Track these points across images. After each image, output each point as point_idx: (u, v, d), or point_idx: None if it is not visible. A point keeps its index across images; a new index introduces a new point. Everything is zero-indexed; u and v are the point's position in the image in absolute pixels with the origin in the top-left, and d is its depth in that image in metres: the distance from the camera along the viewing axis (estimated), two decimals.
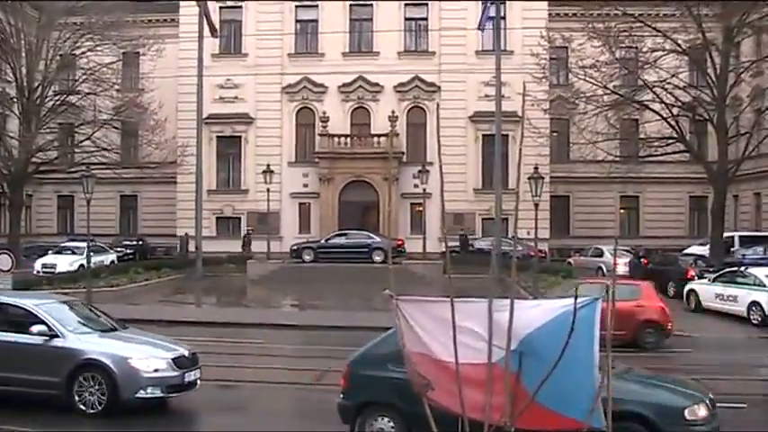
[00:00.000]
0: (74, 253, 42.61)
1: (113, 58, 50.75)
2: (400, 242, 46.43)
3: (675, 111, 42.36)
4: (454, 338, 7.84)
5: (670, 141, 43.29)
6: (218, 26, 47.19)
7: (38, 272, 40.75)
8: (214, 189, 52.88)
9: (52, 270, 40.70)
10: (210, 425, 14.76)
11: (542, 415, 7.82)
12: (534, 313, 8.10)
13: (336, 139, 51.64)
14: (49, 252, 45.49)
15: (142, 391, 13.79)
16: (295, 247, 46.35)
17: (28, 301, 15.02)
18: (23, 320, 14.28)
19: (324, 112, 52.14)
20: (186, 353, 14.62)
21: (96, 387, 13.62)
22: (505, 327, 7.70)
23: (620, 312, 21.14)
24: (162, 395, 14.14)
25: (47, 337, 13.93)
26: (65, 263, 41.32)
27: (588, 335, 7.65)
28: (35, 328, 13.94)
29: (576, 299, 7.58)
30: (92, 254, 42.34)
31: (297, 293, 37.51)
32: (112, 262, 45.74)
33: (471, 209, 50.99)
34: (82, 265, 37.71)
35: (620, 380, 10.40)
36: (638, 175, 49.68)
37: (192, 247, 45.89)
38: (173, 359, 14.17)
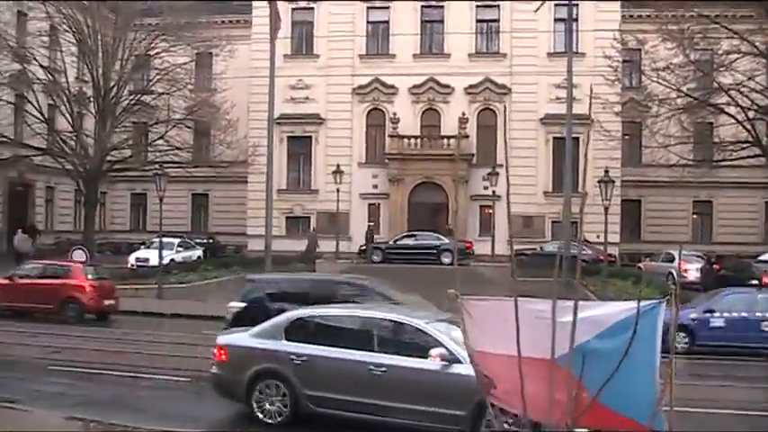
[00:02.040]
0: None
1: (187, 58, 51.39)
2: (469, 244, 46.29)
3: (751, 114, 41.55)
4: (518, 337, 7.88)
5: (745, 145, 42.52)
6: (289, 27, 47.69)
7: (132, 265, 43.43)
8: (284, 189, 53.36)
9: (145, 263, 43.06)
10: None
11: (605, 415, 7.83)
12: (597, 315, 8.11)
13: (406, 140, 51.88)
14: (142, 246, 47.80)
15: None
16: (364, 248, 46.54)
17: (419, 320, 13.11)
18: (415, 342, 12.70)
19: (394, 114, 52.34)
20: None
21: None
22: (568, 328, 7.73)
23: (47, 289, 27.08)
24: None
25: (446, 363, 12.02)
26: (157, 257, 42.59)
27: (651, 338, 7.65)
28: (435, 352, 12.12)
29: (639, 302, 7.59)
30: (181, 249, 46.83)
31: None
32: (199, 257, 47.55)
33: (541, 212, 50.67)
34: (173, 260, 38.86)
35: None
36: (711, 179, 49.03)
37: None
38: None
